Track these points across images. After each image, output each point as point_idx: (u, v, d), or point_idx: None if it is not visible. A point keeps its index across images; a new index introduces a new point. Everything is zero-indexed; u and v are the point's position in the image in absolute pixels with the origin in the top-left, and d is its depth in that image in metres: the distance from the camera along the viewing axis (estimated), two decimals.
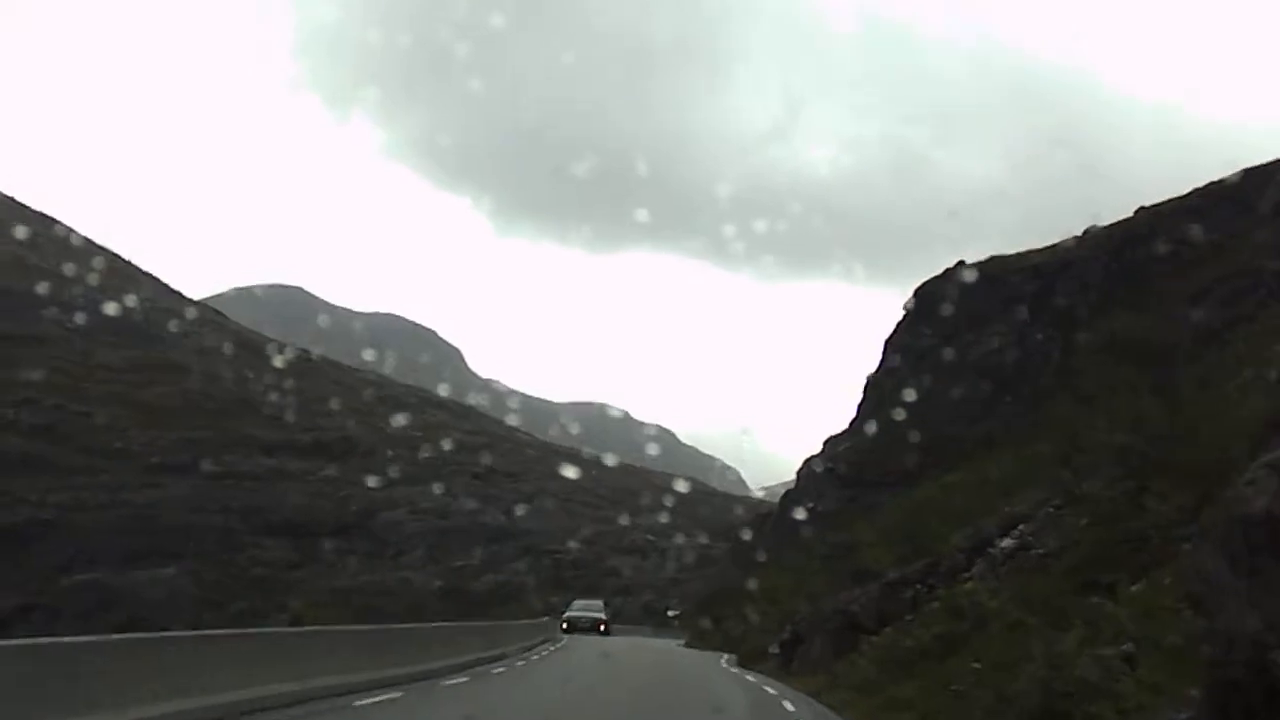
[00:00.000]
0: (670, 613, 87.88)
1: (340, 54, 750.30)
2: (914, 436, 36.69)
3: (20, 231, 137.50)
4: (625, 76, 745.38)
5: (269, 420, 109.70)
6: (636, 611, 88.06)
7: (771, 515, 59.50)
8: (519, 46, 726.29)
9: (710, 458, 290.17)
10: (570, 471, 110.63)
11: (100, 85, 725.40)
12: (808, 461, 45.77)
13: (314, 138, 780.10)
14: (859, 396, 46.14)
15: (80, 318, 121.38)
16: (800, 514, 40.70)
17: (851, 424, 45.80)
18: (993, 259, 42.39)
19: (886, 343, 45.29)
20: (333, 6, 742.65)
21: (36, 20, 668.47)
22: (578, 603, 72.26)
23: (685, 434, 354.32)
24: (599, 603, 72.77)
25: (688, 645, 59.99)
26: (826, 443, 45.74)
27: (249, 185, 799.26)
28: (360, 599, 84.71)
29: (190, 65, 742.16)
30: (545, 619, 64.10)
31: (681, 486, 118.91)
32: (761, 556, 49.04)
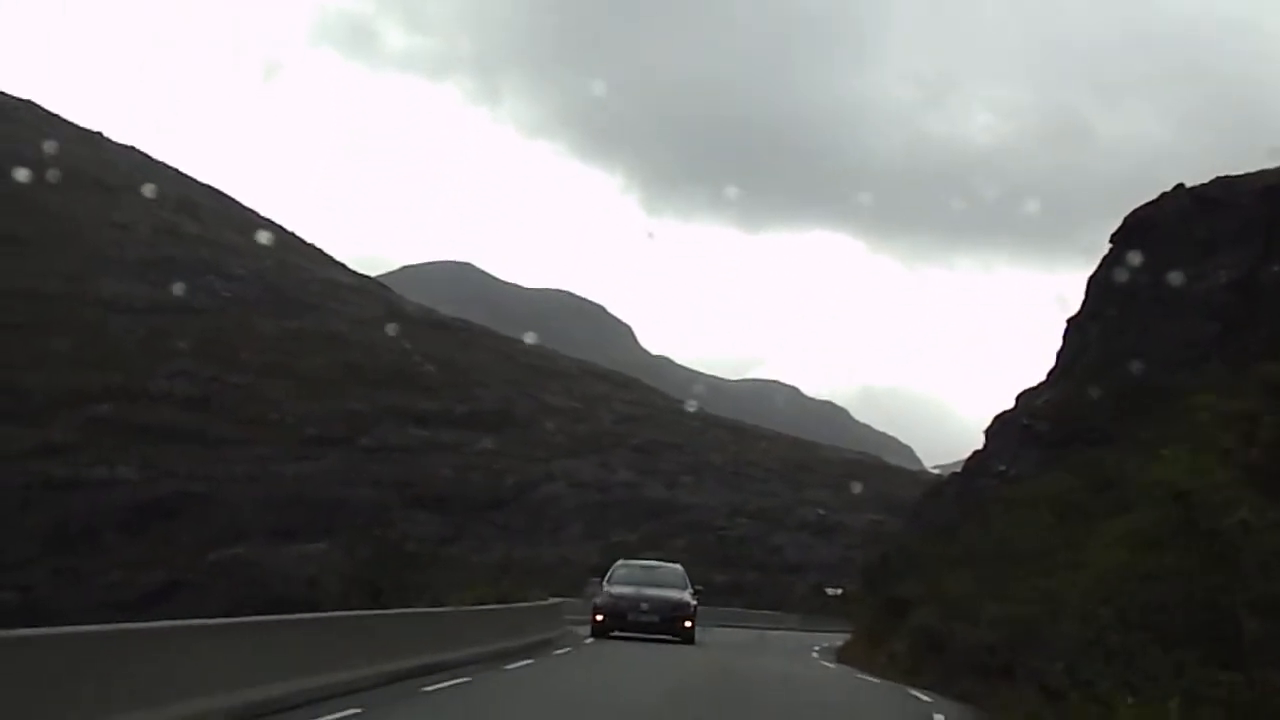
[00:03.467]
0: (830, 591, 75.12)
1: (488, 31, 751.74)
2: (1124, 385, 31.01)
3: (181, 201, 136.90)
4: (772, 48, 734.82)
5: (425, 392, 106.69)
6: (802, 592, 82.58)
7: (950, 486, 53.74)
8: (664, 19, 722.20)
9: (883, 434, 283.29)
10: (733, 440, 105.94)
11: (262, 64, 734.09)
12: (999, 419, 40.24)
13: (465, 116, 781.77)
14: (1057, 344, 40.41)
15: (239, 288, 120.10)
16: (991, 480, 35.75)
17: (1050, 374, 40.15)
18: (1218, 180, 36.62)
19: (1090, 280, 39.59)
20: None
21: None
22: (625, 567, 38.13)
23: (858, 411, 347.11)
24: (674, 569, 38.99)
25: (843, 656, 37.23)
26: (1020, 397, 40.15)
27: (413, 167, 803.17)
28: (518, 576, 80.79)
29: (347, 45, 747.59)
30: (552, 601, 38.18)
31: (852, 461, 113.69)
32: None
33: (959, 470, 43.53)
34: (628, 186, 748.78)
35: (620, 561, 39.20)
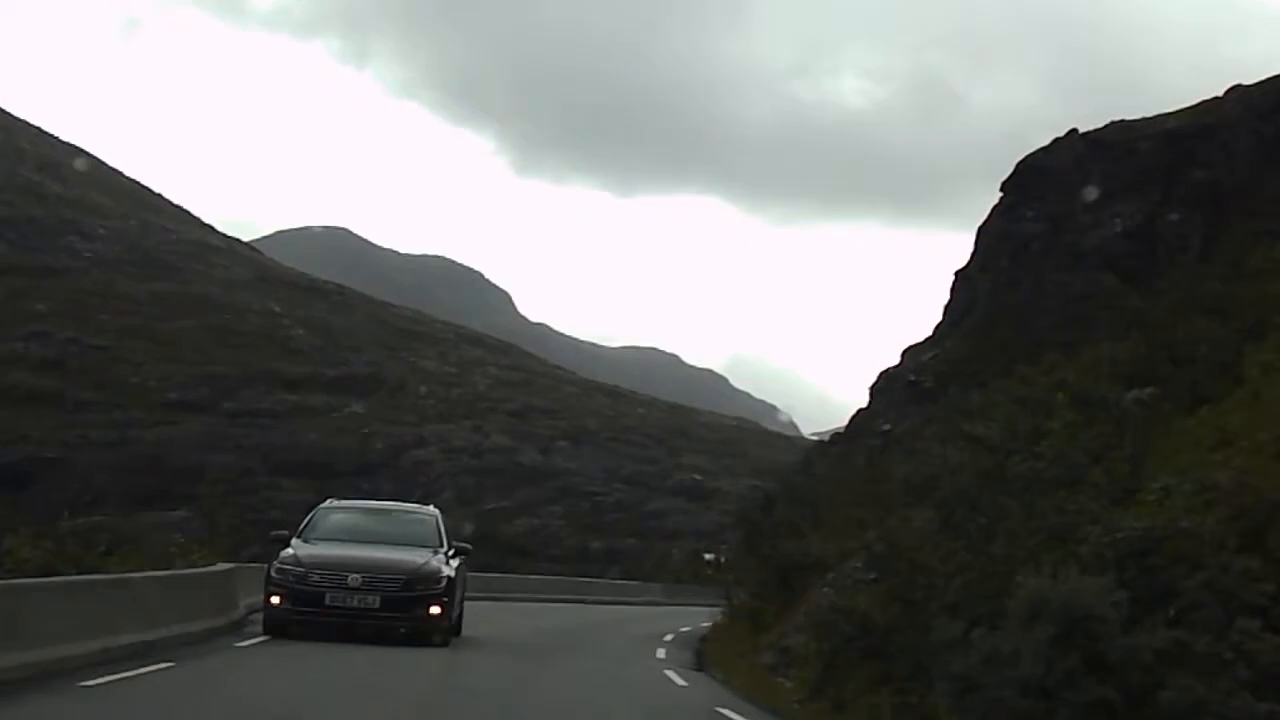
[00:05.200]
0: (707, 557, 66.78)
1: None
2: (1015, 339, 29.36)
3: (43, 161, 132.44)
4: (643, 11, 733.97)
5: (294, 355, 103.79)
6: (680, 559, 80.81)
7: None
8: None
9: (762, 402, 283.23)
10: (609, 406, 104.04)
11: (127, 20, 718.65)
12: (884, 375, 38.47)
13: (333, 77, 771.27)
14: (944, 298, 38.69)
15: (101, 248, 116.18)
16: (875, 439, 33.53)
17: (936, 329, 38.42)
18: (1113, 124, 35.01)
19: (980, 230, 37.89)
20: None
21: None
22: (335, 511, 24.26)
23: (737, 379, 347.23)
24: (419, 514, 24.97)
25: (708, 655, 26.15)
26: (906, 353, 38.41)
27: (286, 130, 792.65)
28: None
29: (214, 2, 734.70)
30: (219, 569, 24.29)
31: (730, 427, 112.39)
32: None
33: (841, 431, 41.81)
34: (499, 149, 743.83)
35: (328, 502, 24.63)
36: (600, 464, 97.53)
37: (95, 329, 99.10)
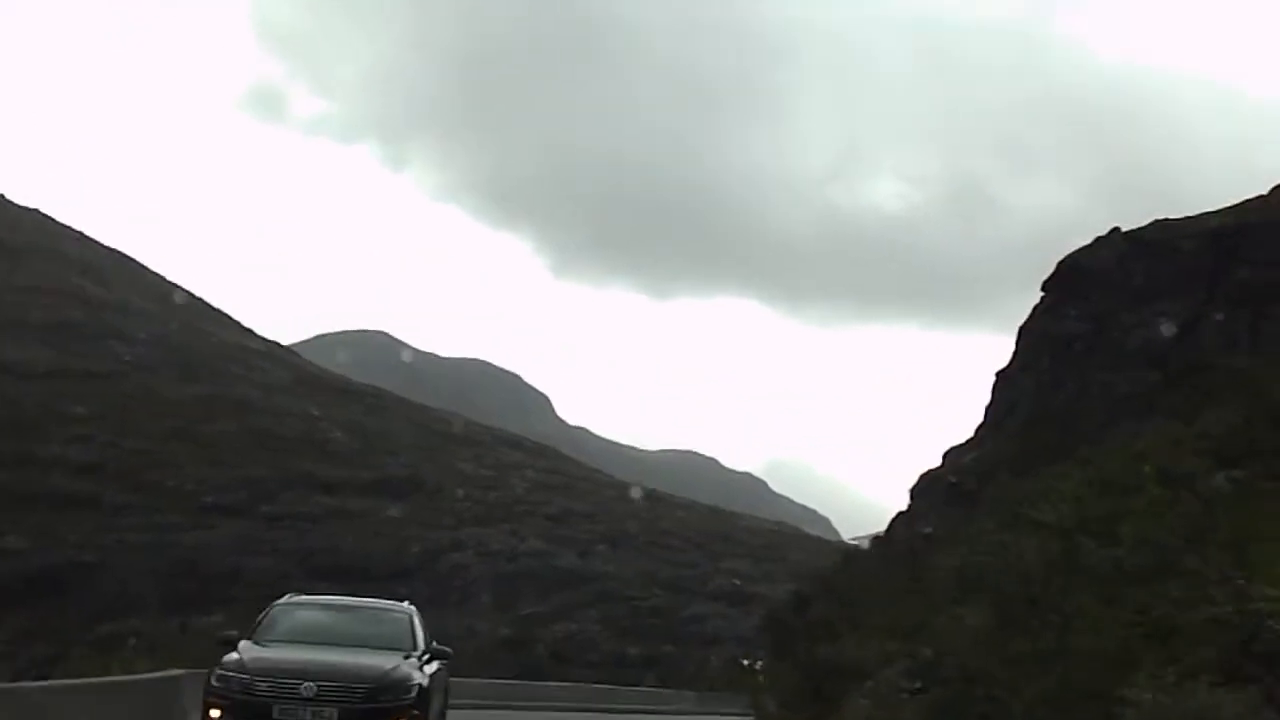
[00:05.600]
0: (745, 662, 58.55)
1: (395, 97, 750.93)
2: (1058, 439, 28.80)
3: (86, 265, 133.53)
4: (679, 116, 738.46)
5: (332, 458, 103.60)
6: (720, 664, 79.67)
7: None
8: (572, 85, 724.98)
9: (802, 506, 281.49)
10: (642, 500, 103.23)
11: (172, 131, 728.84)
12: (924, 477, 37.90)
13: (371, 184, 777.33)
14: (986, 398, 38.16)
15: (141, 351, 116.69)
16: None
17: (978, 430, 37.87)
18: (1156, 223, 34.61)
19: (1022, 330, 37.43)
20: (382, 50, 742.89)
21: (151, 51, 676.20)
22: (293, 609, 20.13)
23: (776, 483, 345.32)
24: (391, 612, 20.77)
25: None
26: (947, 455, 37.87)
27: (329, 235, 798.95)
28: None
29: (255, 110, 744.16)
30: (159, 676, 22.39)
31: (770, 531, 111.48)
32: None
33: (881, 535, 41.16)
34: (538, 251, 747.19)
35: (287, 597, 20.96)
36: (639, 568, 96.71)
37: (135, 432, 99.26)
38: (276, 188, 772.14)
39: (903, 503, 40.03)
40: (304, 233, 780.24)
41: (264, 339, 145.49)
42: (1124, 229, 35.15)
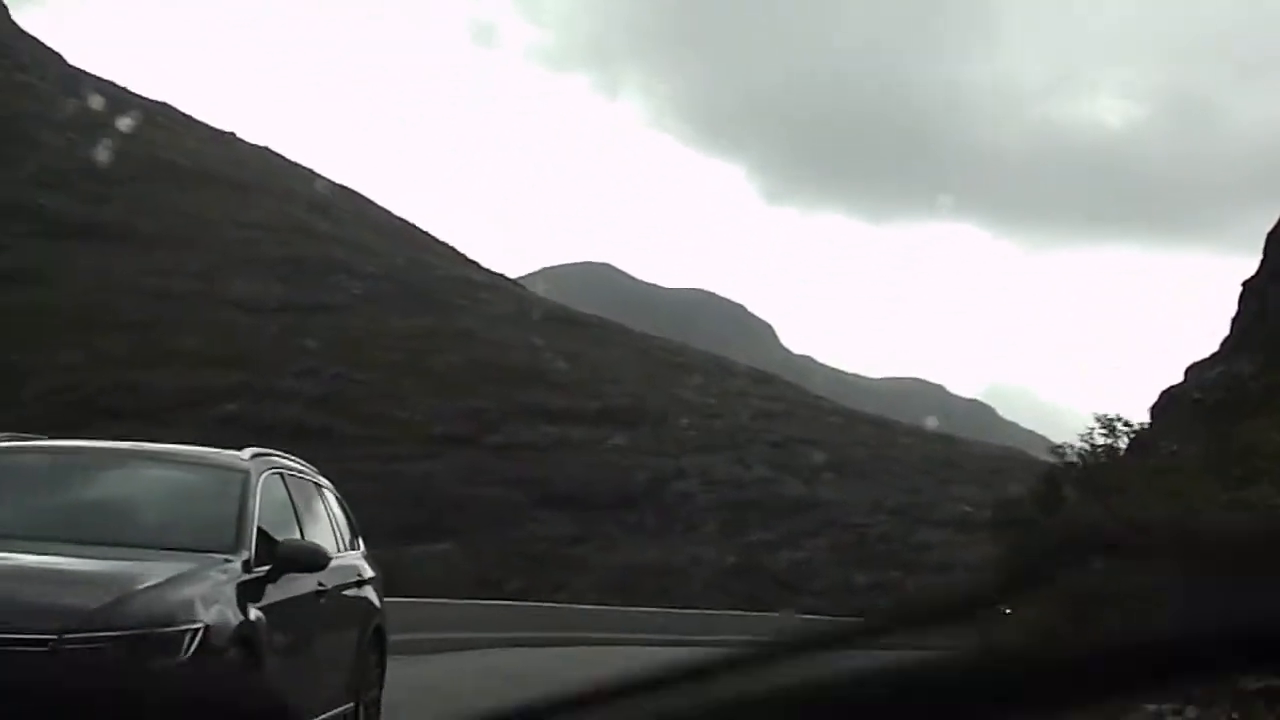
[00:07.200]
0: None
1: (604, 24, 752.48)
2: None
3: (314, 200, 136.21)
4: (891, 34, 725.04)
5: (555, 388, 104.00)
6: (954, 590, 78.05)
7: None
8: (779, 8, 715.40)
9: (1030, 431, 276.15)
10: (874, 437, 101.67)
11: (394, 67, 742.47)
12: (1166, 394, 36.01)
13: (585, 112, 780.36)
14: (1231, 310, 36.04)
15: (369, 285, 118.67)
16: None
17: (1223, 344, 35.81)
18: None
19: (1270, 237, 35.17)
20: None
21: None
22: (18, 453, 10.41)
23: (1005, 409, 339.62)
24: (191, 468, 10.68)
25: None
26: (1189, 370, 35.91)
27: (541, 170, 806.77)
28: (648, 577, 77.75)
29: (470, 42, 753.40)
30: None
31: (999, 457, 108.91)
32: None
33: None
34: (750, 176, 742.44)
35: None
36: (865, 495, 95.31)
37: (363, 365, 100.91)
38: (495, 119, 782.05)
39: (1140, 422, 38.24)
40: (523, 163, 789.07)
41: (488, 270, 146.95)
42: None
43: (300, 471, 11.82)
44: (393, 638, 13.10)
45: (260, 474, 10.27)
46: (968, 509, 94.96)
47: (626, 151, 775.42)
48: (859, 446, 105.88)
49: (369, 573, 12.54)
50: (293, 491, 10.80)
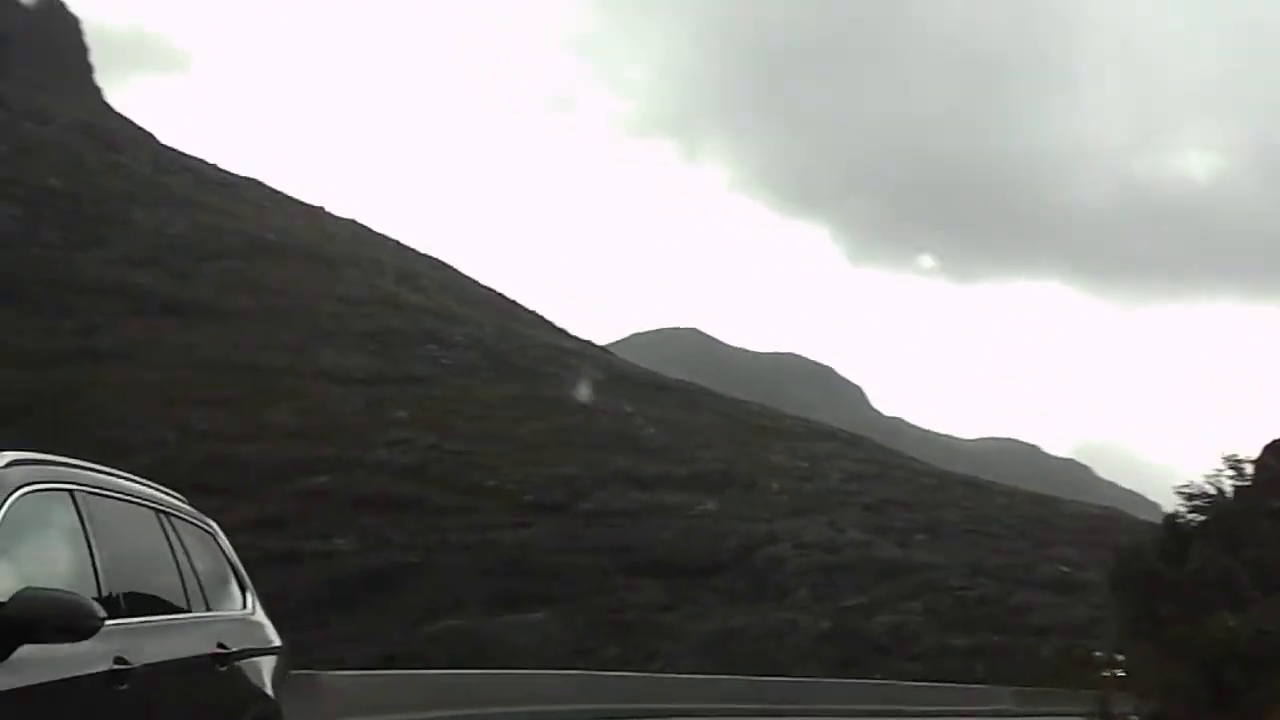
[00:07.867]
0: (1097, 654, 43.01)
1: (686, 92, 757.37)
2: None
3: (402, 272, 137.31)
4: (971, 93, 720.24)
5: (645, 454, 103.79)
6: (1051, 655, 76.59)
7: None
8: (861, 64, 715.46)
9: (1129, 491, 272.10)
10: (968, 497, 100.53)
11: (479, 137, 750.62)
12: (1269, 448, 34.96)
13: (665, 181, 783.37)
14: None
15: (459, 355, 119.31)
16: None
17: None
18: None
19: None
20: (669, 47, 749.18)
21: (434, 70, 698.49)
22: None
23: (1102, 469, 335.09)
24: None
25: None
26: None
27: (627, 237, 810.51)
28: (741, 643, 77.04)
29: (552, 112, 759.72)
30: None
31: (1097, 516, 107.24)
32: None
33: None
34: (834, 238, 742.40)
35: None
36: (961, 557, 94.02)
37: (454, 434, 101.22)
38: (580, 187, 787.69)
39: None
40: (609, 230, 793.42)
41: (576, 338, 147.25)
42: None
43: (128, 495, 7.65)
44: (490, 710, 11.55)
45: (9, 491, 5.75)
46: (1065, 569, 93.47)
47: (711, 217, 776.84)
48: (954, 508, 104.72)
49: (245, 641, 8.00)
50: (92, 522, 6.42)
